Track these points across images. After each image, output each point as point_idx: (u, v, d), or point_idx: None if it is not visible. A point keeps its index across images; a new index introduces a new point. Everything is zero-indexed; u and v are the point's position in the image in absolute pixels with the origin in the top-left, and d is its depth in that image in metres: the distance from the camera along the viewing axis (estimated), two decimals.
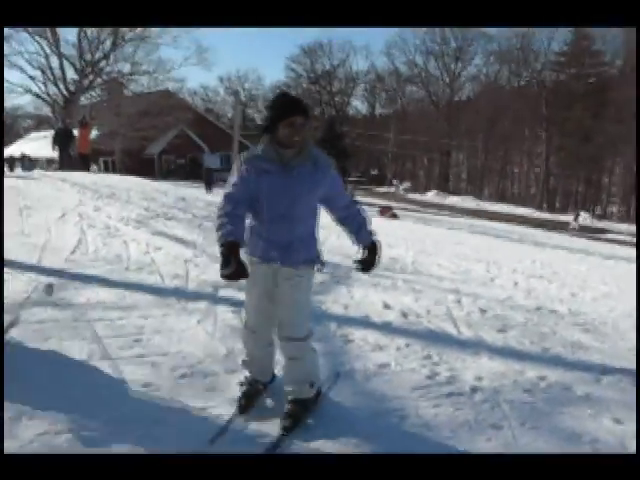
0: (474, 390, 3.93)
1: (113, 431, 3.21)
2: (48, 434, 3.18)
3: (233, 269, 3.01)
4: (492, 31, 60.73)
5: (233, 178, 3.23)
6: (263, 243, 3.27)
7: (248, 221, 3.31)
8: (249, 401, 3.47)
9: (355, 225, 3.46)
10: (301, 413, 3.37)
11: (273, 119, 3.10)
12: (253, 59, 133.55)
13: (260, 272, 3.31)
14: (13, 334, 4.49)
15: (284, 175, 3.12)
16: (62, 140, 22.19)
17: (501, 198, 56.39)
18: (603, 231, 35.83)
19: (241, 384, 3.60)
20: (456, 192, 58.71)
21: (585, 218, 40.19)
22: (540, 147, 57.41)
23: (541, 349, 4.86)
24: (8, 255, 6.88)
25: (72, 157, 22.40)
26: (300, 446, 3.17)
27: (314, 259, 3.35)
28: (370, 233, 3.47)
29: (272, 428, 3.26)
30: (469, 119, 60.66)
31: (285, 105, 3.10)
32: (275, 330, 3.43)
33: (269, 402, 3.59)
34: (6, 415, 3.31)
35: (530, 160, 60.06)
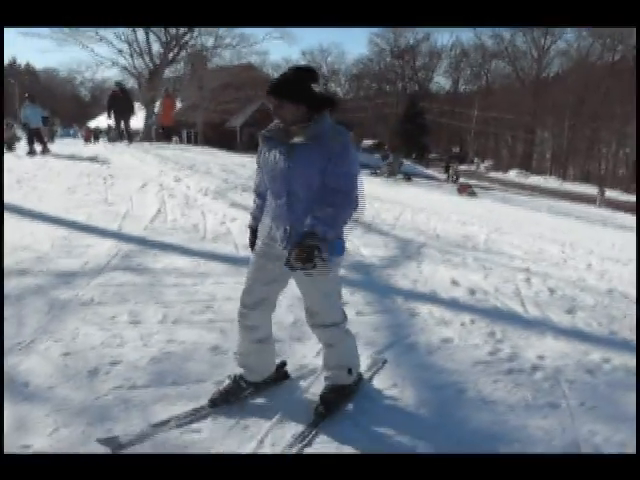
0: (535, 368, 3.94)
1: (182, 392, 3.43)
2: (122, 388, 3.43)
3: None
4: None
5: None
6: (269, 223, 3.13)
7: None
8: (223, 398, 3.28)
9: (320, 207, 2.90)
10: (337, 399, 3.28)
11: None
12: (336, 33, 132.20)
13: (261, 251, 3.21)
14: (94, 295, 4.78)
15: (285, 152, 3.00)
16: (117, 106, 18.36)
17: (586, 179, 54.50)
18: None
19: (228, 377, 3.42)
20: (539, 172, 57.15)
21: None
22: (632, 126, 54.94)
23: (609, 332, 4.79)
24: (91, 222, 7.26)
25: (124, 129, 18.94)
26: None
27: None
28: (319, 222, 2.85)
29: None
30: (557, 96, 58.55)
31: None
32: (270, 323, 3.41)
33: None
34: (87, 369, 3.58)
35: (620, 140, 57.65)
